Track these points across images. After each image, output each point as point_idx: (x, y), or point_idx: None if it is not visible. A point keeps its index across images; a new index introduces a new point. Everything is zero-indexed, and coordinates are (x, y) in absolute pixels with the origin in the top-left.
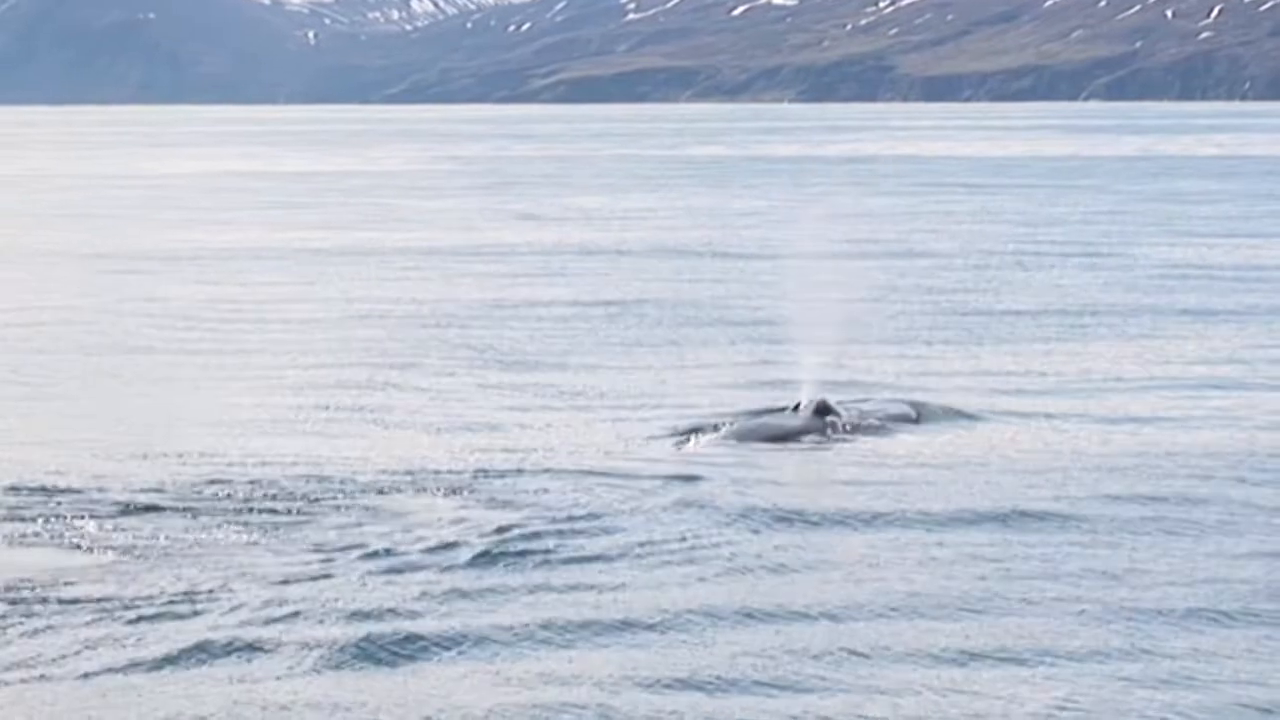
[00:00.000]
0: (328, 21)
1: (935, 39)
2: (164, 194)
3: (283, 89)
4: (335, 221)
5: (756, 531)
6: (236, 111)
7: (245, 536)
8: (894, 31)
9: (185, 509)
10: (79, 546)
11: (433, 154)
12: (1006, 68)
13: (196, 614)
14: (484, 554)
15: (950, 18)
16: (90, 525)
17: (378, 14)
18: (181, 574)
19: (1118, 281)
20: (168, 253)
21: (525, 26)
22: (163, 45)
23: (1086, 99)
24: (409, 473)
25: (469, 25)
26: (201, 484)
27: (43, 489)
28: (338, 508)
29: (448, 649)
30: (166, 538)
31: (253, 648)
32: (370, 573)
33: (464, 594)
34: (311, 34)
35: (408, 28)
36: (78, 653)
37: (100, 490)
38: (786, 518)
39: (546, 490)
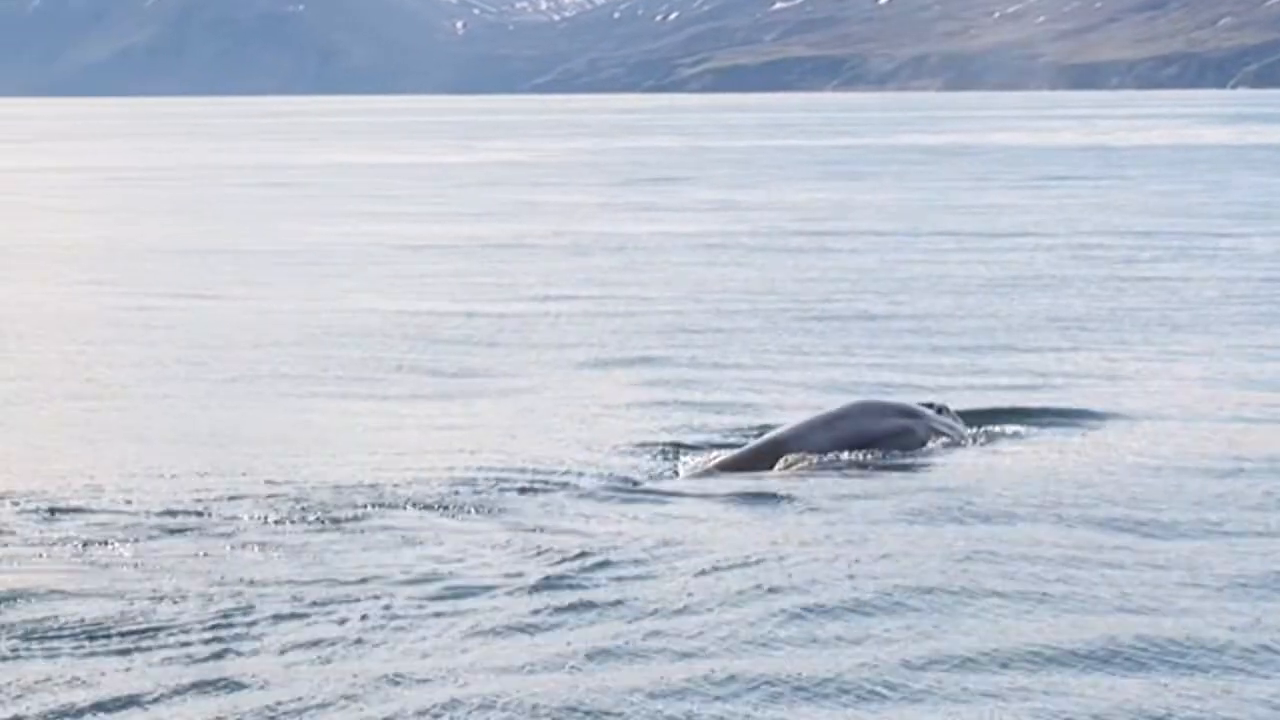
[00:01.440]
0: (476, 12)
1: (1082, 26)
2: (304, 187)
3: (430, 80)
4: (487, 214)
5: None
6: (385, 102)
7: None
8: (1041, 19)
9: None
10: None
11: (610, 145)
12: (1154, 55)
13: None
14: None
15: (1098, 5)
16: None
17: (526, 4)
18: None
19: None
20: (312, 247)
21: (673, 16)
22: (311, 36)
23: (1235, 86)
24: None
25: (616, 15)
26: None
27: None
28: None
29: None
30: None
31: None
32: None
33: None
34: (460, 24)
35: (555, 18)
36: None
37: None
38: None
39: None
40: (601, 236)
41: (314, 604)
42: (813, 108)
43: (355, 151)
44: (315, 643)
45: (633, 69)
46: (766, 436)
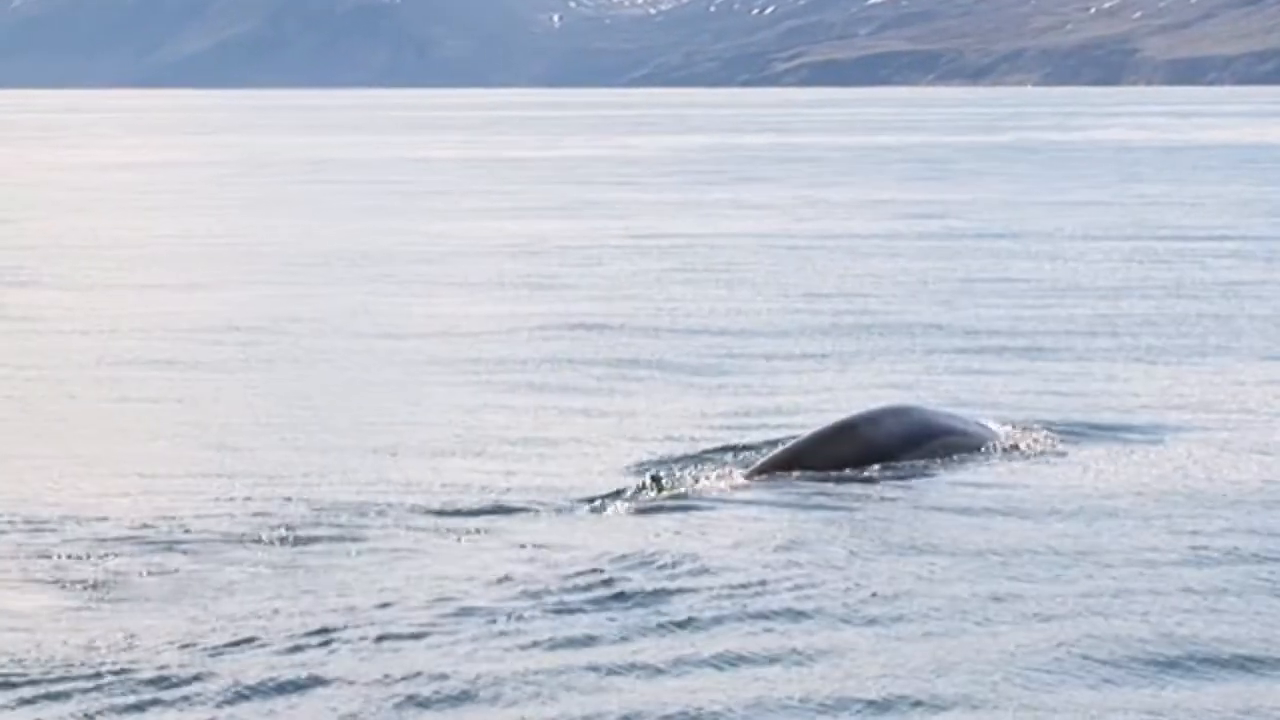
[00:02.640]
0: (572, 5)
1: (1180, 21)
2: (384, 182)
3: (525, 73)
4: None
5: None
6: (481, 96)
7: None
8: (1138, 14)
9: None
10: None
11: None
12: (1252, 50)
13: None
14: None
15: (1193, 1)
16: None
17: None
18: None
19: None
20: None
21: (769, 10)
22: (407, 29)
23: None
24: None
25: (712, 9)
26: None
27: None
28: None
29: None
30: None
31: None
32: None
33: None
34: (556, 17)
35: (652, 11)
36: None
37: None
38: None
39: None
40: (678, 236)
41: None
42: (923, 103)
43: (452, 147)
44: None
45: (728, 63)
46: (791, 444)
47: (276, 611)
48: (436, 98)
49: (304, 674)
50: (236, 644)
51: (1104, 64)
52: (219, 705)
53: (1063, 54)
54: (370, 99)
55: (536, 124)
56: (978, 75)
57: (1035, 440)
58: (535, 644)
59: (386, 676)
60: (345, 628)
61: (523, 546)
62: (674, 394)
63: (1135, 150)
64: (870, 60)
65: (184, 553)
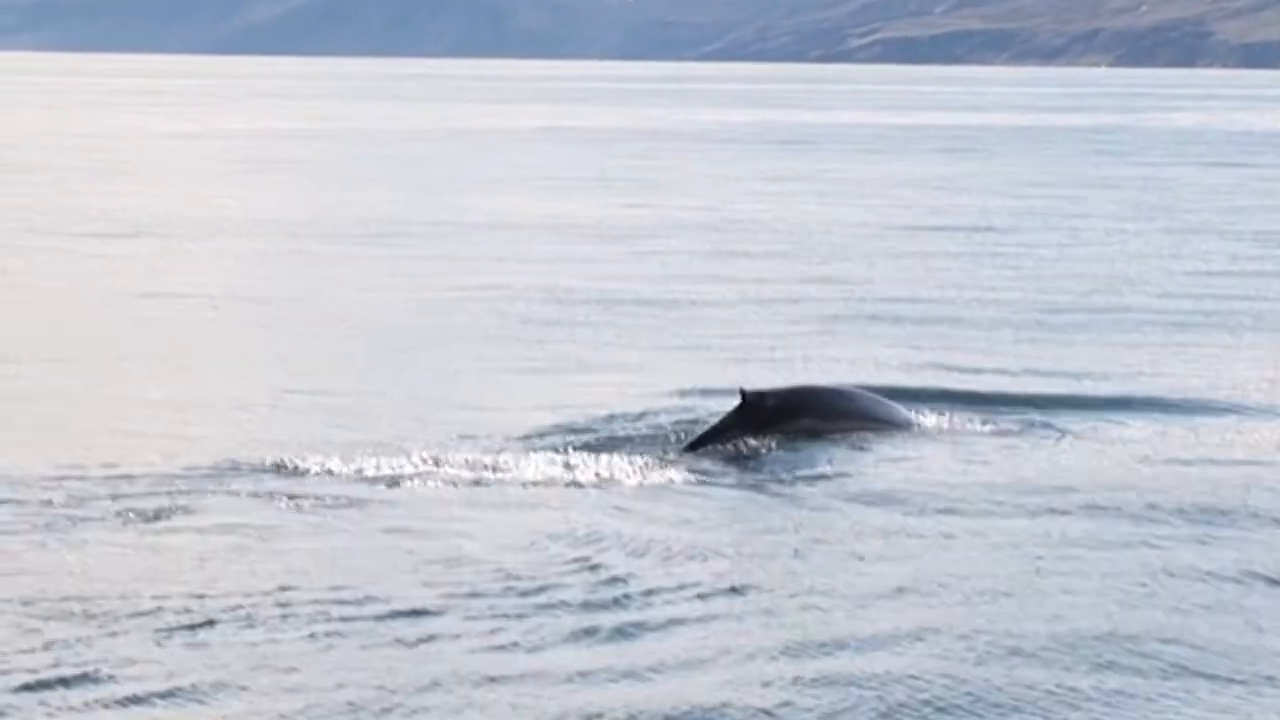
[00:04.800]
0: None
1: (1256, 4)
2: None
3: (597, 45)
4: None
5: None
6: (554, 67)
7: None
8: None
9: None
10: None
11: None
12: None
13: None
14: None
15: None
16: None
17: None
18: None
19: None
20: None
21: None
22: (481, 0)
23: None
24: None
25: None
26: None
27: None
28: None
29: None
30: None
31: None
32: None
33: None
34: None
35: None
36: None
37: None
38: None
39: None
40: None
41: None
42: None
43: (535, 116)
44: None
45: (802, 38)
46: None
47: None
48: (510, 68)
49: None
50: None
51: (1179, 45)
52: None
53: (1136, 35)
54: (456, 69)
55: (613, 95)
56: (1051, 56)
57: (950, 426)
58: None
59: None
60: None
61: None
62: None
63: None
64: (944, 39)
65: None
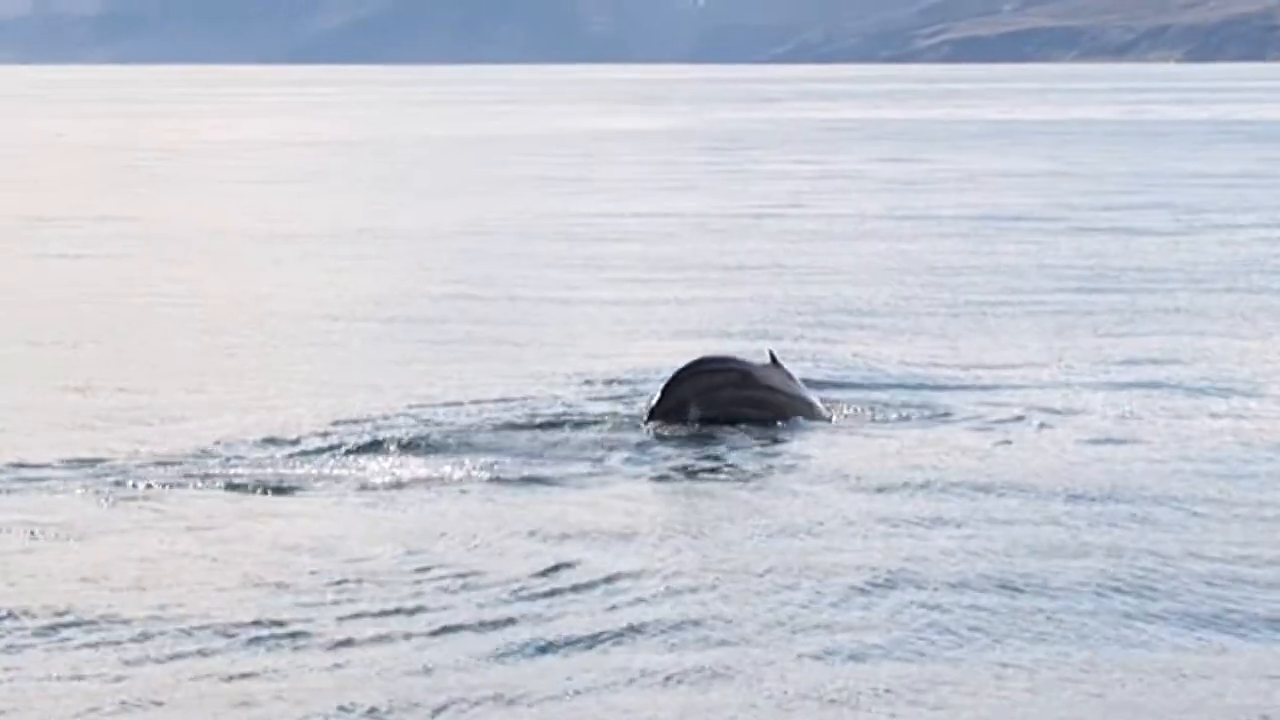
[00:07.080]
0: None
1: None
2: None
3: (669, 49)
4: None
5: None
6: (625, 71)
7: None
8: None
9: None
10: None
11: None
12: None
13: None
14: None
15: None
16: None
17: None
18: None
19: None
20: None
21: None
22: (550, 5)
23: None
24: None
25: None
26: None
27: None
28: None
29: None
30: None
31: None
32: None
33: None
34: None
35: None
36: None
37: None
38: None
39: None
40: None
41: None
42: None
43: (597, 118)
44: None
45: (870, 39)
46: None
47: None
48: (580, 74)
49: None
50: None
51: (1248, 40)
52: None
53: (1206, 30)
54: (530, 75)
55: (687, 99)
56: (1120, 52)
57: (847, 416)
58: None
59: None
60: None
61: None
62: None
63: None
64: (1012, 37)
65: None
